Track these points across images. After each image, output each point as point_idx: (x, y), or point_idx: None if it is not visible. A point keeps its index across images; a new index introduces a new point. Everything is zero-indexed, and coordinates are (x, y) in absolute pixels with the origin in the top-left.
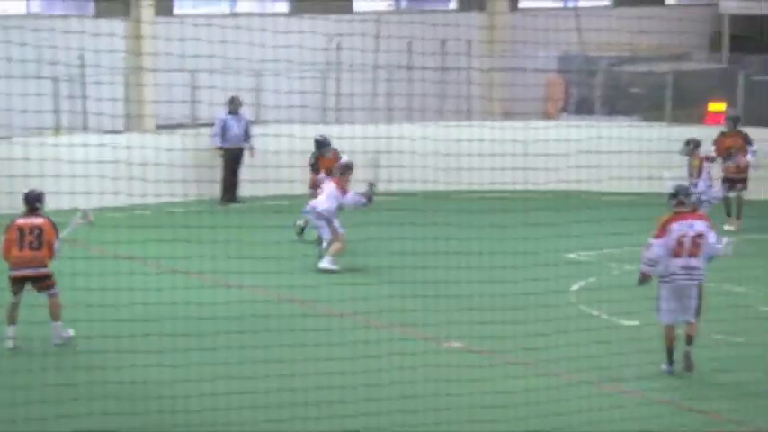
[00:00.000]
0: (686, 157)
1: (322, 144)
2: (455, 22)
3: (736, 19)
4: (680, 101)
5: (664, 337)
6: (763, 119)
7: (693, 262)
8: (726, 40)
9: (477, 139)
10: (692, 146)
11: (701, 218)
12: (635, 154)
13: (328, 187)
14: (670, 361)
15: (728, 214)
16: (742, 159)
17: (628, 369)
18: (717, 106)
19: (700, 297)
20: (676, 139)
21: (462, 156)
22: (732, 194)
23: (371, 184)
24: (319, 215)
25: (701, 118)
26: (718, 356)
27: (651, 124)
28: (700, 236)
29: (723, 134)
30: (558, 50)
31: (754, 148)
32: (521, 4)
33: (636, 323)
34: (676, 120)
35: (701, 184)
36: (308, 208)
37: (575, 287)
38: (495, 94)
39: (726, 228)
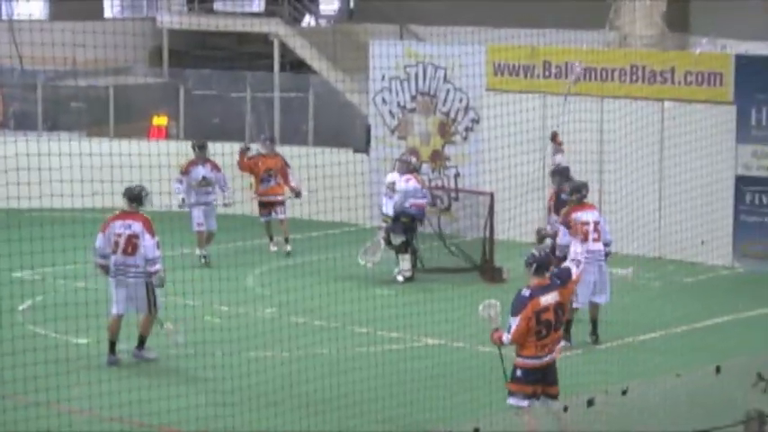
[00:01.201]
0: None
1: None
2: None
3: (174, 33)
4: (123, 115)
5: (110, 327)
6: (203, 131)
7: (130, 260)
8: (165, 54)
9: None
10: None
11: (138, 219)
12: (79, 169)
13: None
14: (113, 351)
15: (271, 238)
16: (291, 182)
17: (80, 387)
18: (160, 120)
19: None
20: (121, 153)
21: None
22: (275, 217)
23: None
24: None
25: (145, 131)
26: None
27: (95, 139)
28: (136, 236)
29: (263, 155)
30: None
31: (290, 169)
32: None
33: (85, 341)
34: (120, 134)
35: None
36: None
37: (22, 306)
38: None
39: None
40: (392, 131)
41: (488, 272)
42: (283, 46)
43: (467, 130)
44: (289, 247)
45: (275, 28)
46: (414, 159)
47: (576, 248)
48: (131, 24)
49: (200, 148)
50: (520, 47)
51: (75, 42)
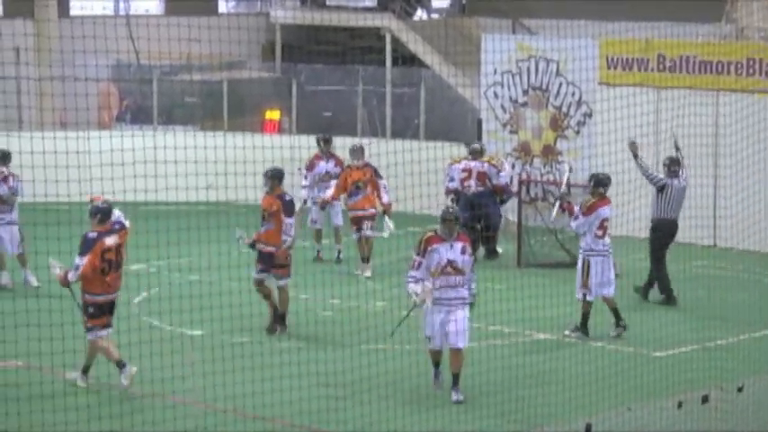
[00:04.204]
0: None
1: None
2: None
3: (287, 28)
4: (236, 109)
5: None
6: (315, 125)
7: None
8: (278, 49)
9: (30, 151)
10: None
11: None
12: (193, 163)
13: None
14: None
15: (364, 259)
16: (383, 195)
17: (192, 379)
18: (273, 114)
19: None
20: (235, 146)
21: (16, 167)
22: (363, 233)
23: None
24: None
25: (258, 126)
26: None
27: (209, 132)
28: None
29: (349, 167)
30: (112, 59)
31: (384, 182)
32: (72, 12)
33: (200, 332)
34: (233, 128)
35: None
36: None
37: (138, 299)
38: (48, 104)
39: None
40: (504, 126)
41: None
42: (395, 40)
43: (579, 124)
44: (368, 273)
45: (387, 22)
46: (475, 144)
47: None
48: (245, 19)
49: (326, 143)
50: (633, 40)
51: (190, 37)
